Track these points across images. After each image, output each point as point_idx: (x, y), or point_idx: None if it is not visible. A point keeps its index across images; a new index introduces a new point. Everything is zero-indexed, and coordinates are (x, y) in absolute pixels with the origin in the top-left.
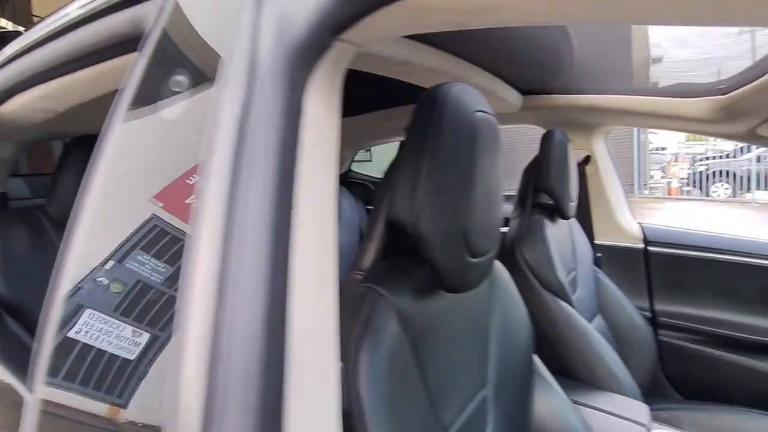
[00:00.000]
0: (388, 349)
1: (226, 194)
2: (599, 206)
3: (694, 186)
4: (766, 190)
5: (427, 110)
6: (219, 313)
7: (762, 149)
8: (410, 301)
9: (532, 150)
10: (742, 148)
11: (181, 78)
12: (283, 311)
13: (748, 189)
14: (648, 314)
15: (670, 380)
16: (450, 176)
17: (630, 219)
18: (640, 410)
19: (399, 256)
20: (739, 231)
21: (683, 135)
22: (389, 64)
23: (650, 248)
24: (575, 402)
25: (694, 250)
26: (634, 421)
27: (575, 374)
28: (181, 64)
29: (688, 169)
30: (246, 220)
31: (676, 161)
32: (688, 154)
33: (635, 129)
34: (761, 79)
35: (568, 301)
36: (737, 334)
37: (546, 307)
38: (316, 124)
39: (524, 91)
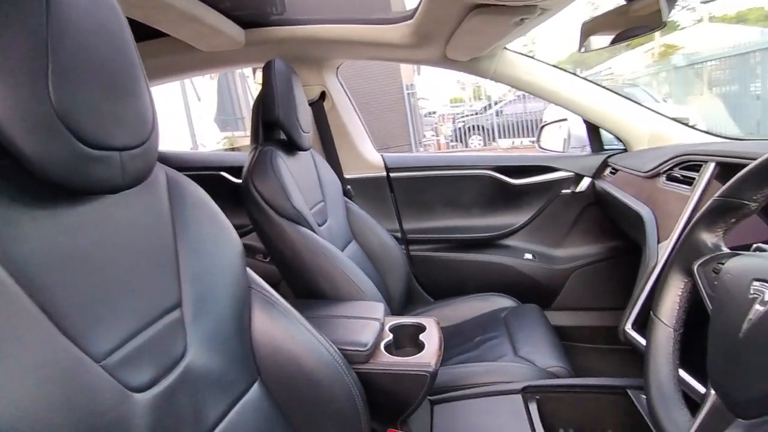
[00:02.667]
0: None
1: None
2: (342, 141)
3: (458, 140)
4: (505, 138)
5: None
6: None
7: (500, 106)
8: (4, 210)
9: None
10: (485, 107)
11: None
12: None
13: (494, 138)
14: (399, 234)
15: (423, 287)
16: (22, 48)
17: (372, 150)
18: (377, 309)
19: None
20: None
21: (448, 99)
22: None
23: (392, 174)
24: (317, 316)
25: (425, 170)
26: (370, 318)
27: (322, 293)
28: None
29: (452, 127)
30: None
31: (443, 121)
32: (450, 114)
33: (406, 95)
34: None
35: (310, 227)
36: (466, 235)
37: (285, 234)
38: None
39: (245, 24)
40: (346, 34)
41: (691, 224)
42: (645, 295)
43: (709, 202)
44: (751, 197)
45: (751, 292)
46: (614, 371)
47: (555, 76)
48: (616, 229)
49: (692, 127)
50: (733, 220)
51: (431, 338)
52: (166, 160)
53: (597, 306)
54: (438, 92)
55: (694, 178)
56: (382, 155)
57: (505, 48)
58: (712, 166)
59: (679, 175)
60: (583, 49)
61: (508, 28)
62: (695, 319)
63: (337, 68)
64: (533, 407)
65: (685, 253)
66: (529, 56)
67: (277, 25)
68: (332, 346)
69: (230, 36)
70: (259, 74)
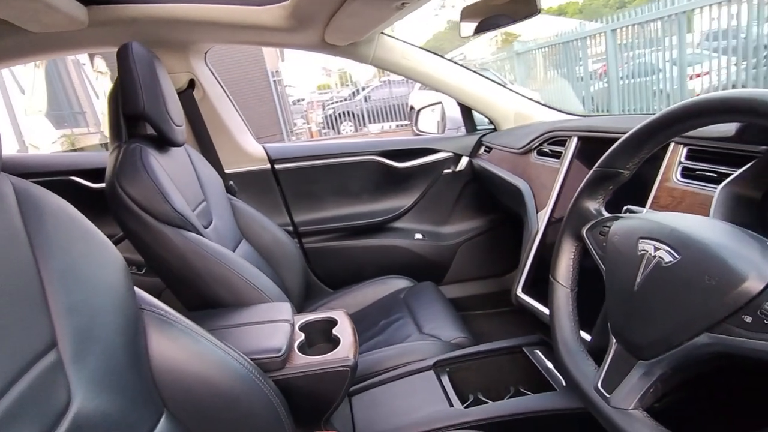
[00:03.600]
0: None
1: None
2: (219, 133)
3: (329, 127)
4: (375, 123)
5: None
6: None
7: (367, 92)
8: None
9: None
10: (353, 93)
11: None
12: None
13: (364, 124)
14: (291, 228)
15: (321, 279)
16: None
17: (252, 142)
18: (283, 309)
19: None
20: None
21: (315, 86)
22: None
23: (277, 166)
24: (220, 328)
25: (311, 159)
26: (278, 320)
27: (220, 301)
28: None
29: (322, 114)
30: None
31: (312, 109)
32: (319, 101)
33: (272, 83)
34: None
35: (197, 231)
36: (357, 222)
37: (169, 242)
38: None
39: (87, 1)
40: (214, 16)
41: (576, 194)
42: (531, 260)
43: (590, 173)
44: (625, 166)
45: (639, 249)
46: (507, 332)
47: (431, 61)
48: (493, 202)
49: (546, 105)
50: (610, 187)
51: (344, 331)
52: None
53: (483, 275)
54: (304, 79)
55: (561, 152)
56: (263, 146)
57: (383, 33)
58: (575, 140)
59: (548, 150)
60: (464, 34)
61: (390, 12)
62: (581, 280)
63: (206, 53)
64: (445, 379)
65: (574, 220)
66: (406, 42)
67: (128, 2)
68: (244, 357)
69: (68, 14)
70: (99, 61)
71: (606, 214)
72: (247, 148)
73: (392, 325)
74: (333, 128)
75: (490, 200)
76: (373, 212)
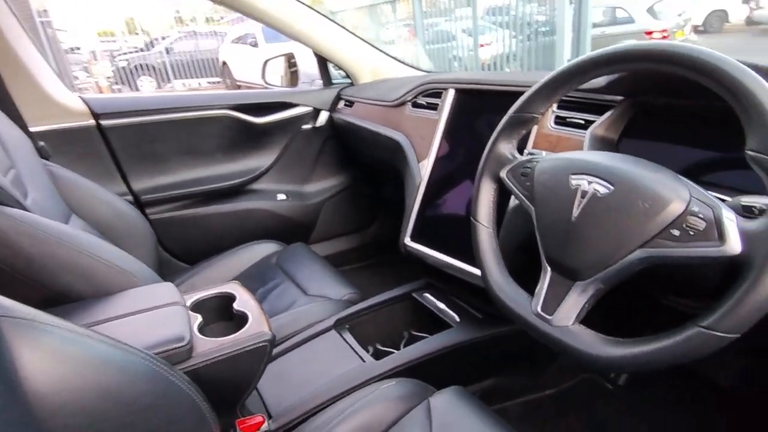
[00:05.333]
0: None
1: None
2: (15, 79)
3: (123, 82)
4: (180, 78)
5: None
6: None
7: (169, 42)
8: None
9: None
10: (149, 44)
11: None
12: None
13: (168, 79)
14: (130, 198)
15: (174, 254)
16: None
17: (65, 91)
18: (167, 290)
19: None
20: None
21: (94, 33)
22: None
23: (103, 122)
24: (96, 324)
25: (150, 114)
26: (168, 304)
27: (75, 293)
28: None
29: (112, 66)
30: None
31: (95, 59)
32: (105, 51)
33: (39, 25)
34: None
35: (21, 206)
36: (212, 186)
37: None
38: None
39: None
40: None
41: (492, 139)
42: (417, 209)
43: (505, 118)
44: (539, 111)
45: (573, 184)
46: (383, 282)
47: (286, 5)
48: (354, 157)
49: (402, 62)
50: (524, 131)
51: (248, 303)
52: None
53: (348, 230)
54: (79, 23)
55: (437, 104)
56: (81, 97)
57: None
58: (452, 92)
59: (423, 102)
60: None
61: None
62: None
63: None
64: (349, 336)
65: (491, 163)
66: None
67: None
68: (148, 353)
69: None
70: None
71: (519, 157)
72: (59, 98)
73: (272, 293)
74: (127, 83)
75: (350, 156)
76: (229, 174)
